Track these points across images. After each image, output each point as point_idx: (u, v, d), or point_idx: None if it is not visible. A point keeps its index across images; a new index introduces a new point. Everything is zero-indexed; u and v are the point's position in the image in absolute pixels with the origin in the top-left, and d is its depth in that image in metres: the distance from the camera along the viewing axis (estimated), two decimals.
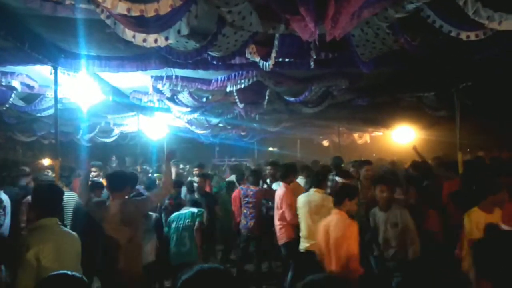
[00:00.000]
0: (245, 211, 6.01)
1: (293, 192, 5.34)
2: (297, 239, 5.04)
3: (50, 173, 6.71)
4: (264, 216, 6.05)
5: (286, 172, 5.68)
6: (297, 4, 2.63)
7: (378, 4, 2.73)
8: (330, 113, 9.28)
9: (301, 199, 4.92)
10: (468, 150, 10.20)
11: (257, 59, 4.48)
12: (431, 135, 11.09)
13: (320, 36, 3.07)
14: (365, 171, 5.82)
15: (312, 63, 4.54)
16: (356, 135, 15.86)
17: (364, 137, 15.97)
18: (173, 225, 5.03)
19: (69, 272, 1.65)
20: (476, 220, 3.78)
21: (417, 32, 3.66)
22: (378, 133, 15.19)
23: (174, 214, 5.18)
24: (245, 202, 6.02)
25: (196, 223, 4.98)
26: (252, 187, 6.04)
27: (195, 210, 5.11)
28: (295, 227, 5.14)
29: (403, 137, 12.02)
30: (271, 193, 5.99)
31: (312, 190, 4.90)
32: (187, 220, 5.00)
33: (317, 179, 5.01)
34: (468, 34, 3.28)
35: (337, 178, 5.44)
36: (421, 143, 12.21)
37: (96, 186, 5.34)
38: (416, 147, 7.32)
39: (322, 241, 3.75)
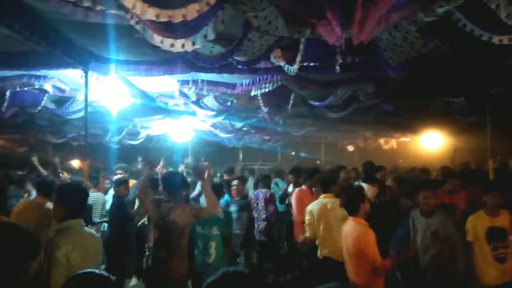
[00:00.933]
0: (255, 214, 6.06)
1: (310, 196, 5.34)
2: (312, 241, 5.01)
3: (65, 174, 6.88)
4: (273, 218, 6.12)
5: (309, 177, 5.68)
6: (324, 8, 2.62)
7: (406, 8, 2.69)
8: (356, 118, 9.15)
9: (313, 207, 4.83)
10: (498, 157, 9.87)
11: (282, 63, 4.48)
12: (460, 142, 10.78)
13: (346, 39, 3.04)
14: (379, 176, 5.73)
15: (337, 67, 4.50)
16: (382, 141, 15.58)
17: (390, 143, 15.67)
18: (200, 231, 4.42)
19: (96, 271, 1.69)
20: (477, 223, 3.85)
21: (447, 36, 3.57)
22: (405, 139, 14.88)
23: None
24: (255, 205, 6.15)
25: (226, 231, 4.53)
26: (263, 190, 6.26)
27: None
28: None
29: (431, 143, 11.76)
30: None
31: (322, 196, 4.83)
32: (216, 228, 4.43)
33: (325, 185, 4.93)
34: (500, 38, 3.18)
35: (364, 184, 5.35)
36: (449, 149, 11.92)
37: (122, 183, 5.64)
38: (456, 151, 7.26)
39: (344, 249, 3.69)
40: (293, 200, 5.54)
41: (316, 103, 7.23)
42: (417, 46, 3.63)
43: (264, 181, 6.66)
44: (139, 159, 10.48)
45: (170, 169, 7.93)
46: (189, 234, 3.96)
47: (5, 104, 6.35)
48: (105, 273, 1.71)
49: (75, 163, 13.36)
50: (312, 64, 4.65)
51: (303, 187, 5.56)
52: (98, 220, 5.89)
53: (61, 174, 6.89)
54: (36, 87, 5.81)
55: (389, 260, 3.42)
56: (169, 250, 3.63)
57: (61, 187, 3.43)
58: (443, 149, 11.81)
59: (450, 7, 2.85)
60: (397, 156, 16.18)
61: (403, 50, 3.77)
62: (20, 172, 7.84)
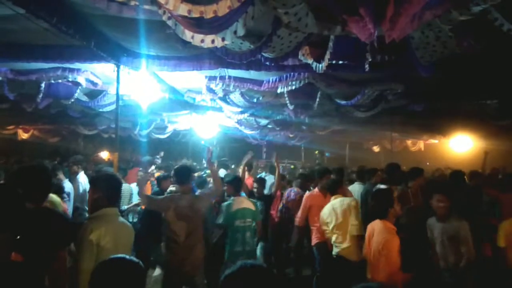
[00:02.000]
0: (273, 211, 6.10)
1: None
2: (325, 242, 4.98)
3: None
4: (283, 216, 6.06)
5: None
6: (356, 4, 2.59)
7: (441, 6, 2.62)
8: (383, 118, 9.01)
9: (327, 208, 4.82)
10: None
11: (310, 60, 4.46)
12: (491, 145, 10.44)
13: (377, 37, 3.00)
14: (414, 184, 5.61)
15: (367, 66, 4.44)
16: (409, 142, 15.27)
17: (418, 144, 15.34)
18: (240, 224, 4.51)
19: (127, 256, 1.75)
20: (508, 229, 3.77)
21: (482, 36, 3.46)
22: (433, 141, 14.52)
23: (236, 207, 4.58)
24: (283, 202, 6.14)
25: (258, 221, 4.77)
26: (296, 190, 6.17)
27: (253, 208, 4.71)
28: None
29: (460, 146, 11.45)
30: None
31: (332, 198, 4.80)
32: (249, 218, 4.60)
33: (333, 187, 4.88)
34: None
35: (382, 186, 5.30)
36: (479, 153, 11.54)
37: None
38: (488, 154, 7.07)
39: (366, 247, 3.69)
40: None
41: (343, 102, 7.15)
42: (450, 46, 3.53)
43: (300, 179, 6.37)
44: (161, 154, 10.68)
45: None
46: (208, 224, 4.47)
47: (40, 95, 6.59)
48: (135, 259, 1.77)
49: (105, 154, 13.72)
50: (340, 62, 4.60)
51: (315, 190, 5.44)
52: (126, 207, 6.05)
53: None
54: (69, 79, 6.01)
55: (405, 276, 3.42)
56: (195, 237, 3.84)
57: (96, 176, 3.53)
58: (473, 152, 11.47)
59: (487, 6, 2.77)
60: (424, 158, 15.80)
61: (436, 49, 3.68)
62: (52, 162, 8.11)
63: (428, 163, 15.00)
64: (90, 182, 3.15)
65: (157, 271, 6.13)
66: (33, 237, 1.70)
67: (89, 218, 2.83)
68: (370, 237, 3.61)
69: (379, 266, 3.43)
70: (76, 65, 5.56)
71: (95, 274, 1.69)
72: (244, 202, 4.58)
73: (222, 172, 7.48)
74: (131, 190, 6.32)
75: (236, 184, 4.75)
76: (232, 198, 4.62)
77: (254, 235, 4.64)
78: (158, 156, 10.39)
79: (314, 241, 5.25)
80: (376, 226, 3.58)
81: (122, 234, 2.83)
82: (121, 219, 2.99)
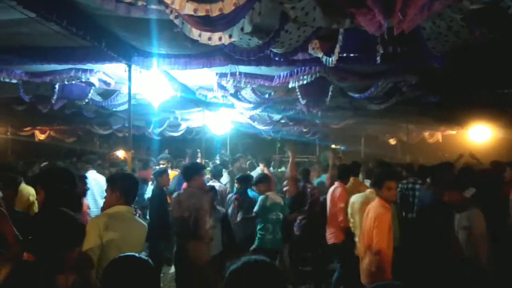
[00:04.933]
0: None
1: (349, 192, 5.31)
2: (345, 241, 4.98)
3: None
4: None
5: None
6: None
7: None
8: (398, 110, 8.86)
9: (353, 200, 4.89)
10: None
11: (320, 54, 4.40)
12: (511, 135, 10.19)
13: (387, 29, 2.93)
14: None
15: (378, 58, 4.36)
16: (426, 134, 14.97)
17: (435, 136, 15.03)
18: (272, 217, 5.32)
19: (136, 254, 1.78)
20: None
21: (496, 24, 3.35)
22: (452, 132, 14.22)
23: (270, 202, 5.37)
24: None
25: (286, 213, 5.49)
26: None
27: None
28: (345, 228, 5.10)
29: (479, 136, 11.21)
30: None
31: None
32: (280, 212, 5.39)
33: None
34: None
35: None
36: (499, 143, 11.27)
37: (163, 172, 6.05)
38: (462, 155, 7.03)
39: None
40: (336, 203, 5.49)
41: (356, 95, 7.06)
42: (463, 35, 3.43)
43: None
44: (166, 151, 10.79)
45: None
46: (229, 225, 5.08)
47: (55, 96, 6.70)
48: (144, 257, 1.79)
49: (121, 153, 13.92)
50: (351, 55, 4.54)
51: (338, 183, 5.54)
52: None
53: None
54: (83, 80, 6.09)
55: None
56: (187, 236, 3.97)
57: (113, 175, 3.58)
58: (492, 142, 11.21)
59: None
60: (442, 150, 15.50)
61: (448, 39, 3.59)
62: (68, 161, 8.26)
63: (446, 155, 14.71)
64: (107, 180, 3.20)
65: (173, 268, 6.21)
66: (43, 237, 1.74)
67: (101, 214, 2.87)
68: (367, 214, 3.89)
69: (369, 243, 3.73)
70: (89, 66, 5.63)
71: (105, 272, 1.71)
72: (276, 198, 5.42)
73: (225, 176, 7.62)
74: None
75: (266, 182, 5.58)
76: (266, 194, 5.38)
77: (281, 226, 5.37)
78: (164, 152, 10.52)
79: (331, 240, 5.28)
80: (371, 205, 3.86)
81: (133, 232, 2.86)
82: (135, 217, 3.03)
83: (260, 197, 5.36)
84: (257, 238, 5.29)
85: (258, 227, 5.30)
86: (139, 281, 1.68)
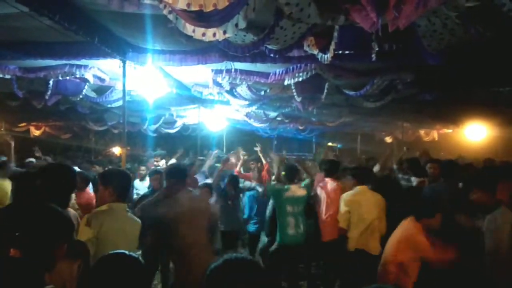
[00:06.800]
0: None
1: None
2: (340, 238, 4.94)
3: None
4: None
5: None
6: None
7: None
8: (394, 108, 8.87)
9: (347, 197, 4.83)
10: None
11: (315, 51, 4.39)
12: (506, 133, 10.23)
13: (382, 26, 2.92)
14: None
15: (373, 56, 4.35)
16: (422, 132, 15.02)
17: (431, 134, 15.08)
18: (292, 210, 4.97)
19: (126, 252, 1.76)
20: None
21: (491, 22, 3.35)
22: (447, 130, 14.27)
23: (290, 195, 5.02)
24: None
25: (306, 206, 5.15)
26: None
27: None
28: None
29: (475, 135, 11.27)
30: None
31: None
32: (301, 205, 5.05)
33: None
34: None
35: (413, 179, 5.32)
36: (495, 141, 11.31)
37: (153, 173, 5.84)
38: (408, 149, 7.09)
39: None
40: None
41: (352, 93, 7.05)
42: (458, 33, 3.43)
43: None
44: (158, 149, 10.76)
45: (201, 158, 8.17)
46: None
47: (49, 92, 6.66)
48: (134, 255, 1.77)
49: (116, 150, 13.84)
50: (347, 52, 4.53)
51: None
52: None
53: None
54: (77, 76, 6.04)
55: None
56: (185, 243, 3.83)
57: (105, 171, 3.54)
58: (487, 141, 11.25)
59: None
60: (438, 148, 15.53)
61: (443, 37, 3.58)
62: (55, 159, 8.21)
63: (442, 153, 14.75)
64: (100, 177, 3.16)
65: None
66: (30, 233, 1.71)
67: (94, 211, 2.85)
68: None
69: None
70: (83, 61, 5.59)
71: (94, 268, 1.70)
72: (297, 190, 5.04)
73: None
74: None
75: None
76: (286, 186, 5.04)
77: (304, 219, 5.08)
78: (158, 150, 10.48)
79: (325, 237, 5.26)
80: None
81: (127, 229, 2.84)
82: (129, 214, 3.01)
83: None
84: (277, 234, 5.02)
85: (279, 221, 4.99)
86: (128, 278, 1.66)
